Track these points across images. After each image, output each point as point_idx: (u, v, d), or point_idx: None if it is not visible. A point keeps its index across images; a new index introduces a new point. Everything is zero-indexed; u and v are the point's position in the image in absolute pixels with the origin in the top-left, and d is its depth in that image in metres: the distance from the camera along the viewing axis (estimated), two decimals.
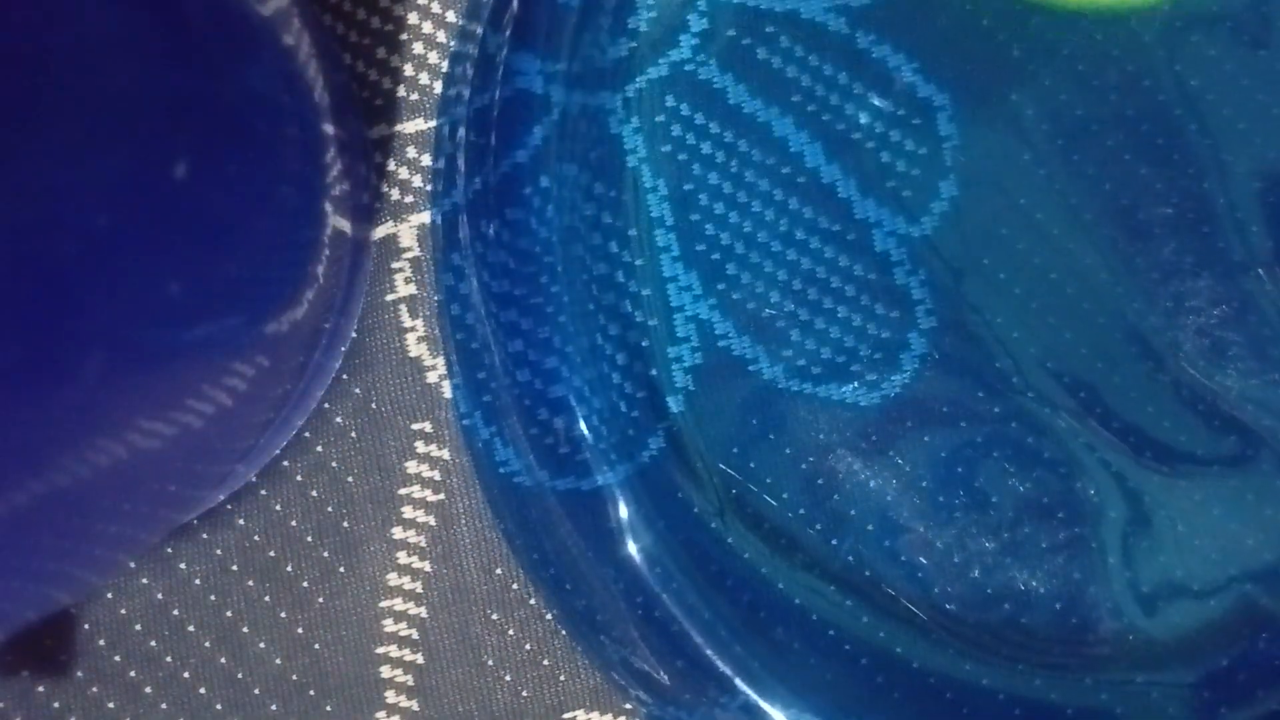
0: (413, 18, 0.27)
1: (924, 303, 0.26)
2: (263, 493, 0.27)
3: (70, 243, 0.17)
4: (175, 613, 0.27)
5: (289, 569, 0.27)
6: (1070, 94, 0.26)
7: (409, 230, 0.27)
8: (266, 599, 0.27)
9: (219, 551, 0.27)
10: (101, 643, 0.27)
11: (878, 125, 0.26)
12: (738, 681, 0.25)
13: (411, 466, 0.27)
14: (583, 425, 0.25)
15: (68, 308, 0.17)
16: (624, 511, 0.25)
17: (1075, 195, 0.25)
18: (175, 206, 0.20)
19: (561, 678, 0.27)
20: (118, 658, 0.27)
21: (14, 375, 0.16)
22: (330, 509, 0.27)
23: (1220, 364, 0.25)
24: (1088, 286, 0.25)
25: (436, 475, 0.27)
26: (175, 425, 0.21)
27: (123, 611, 0.27)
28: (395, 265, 0.27)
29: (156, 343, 0.20)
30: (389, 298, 0.27)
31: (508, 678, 0.27)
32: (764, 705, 0.25)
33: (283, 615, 0.27)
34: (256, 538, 0.27)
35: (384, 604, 0.27)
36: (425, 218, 0.27)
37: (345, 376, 0.27)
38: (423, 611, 0.27)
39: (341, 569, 0.27)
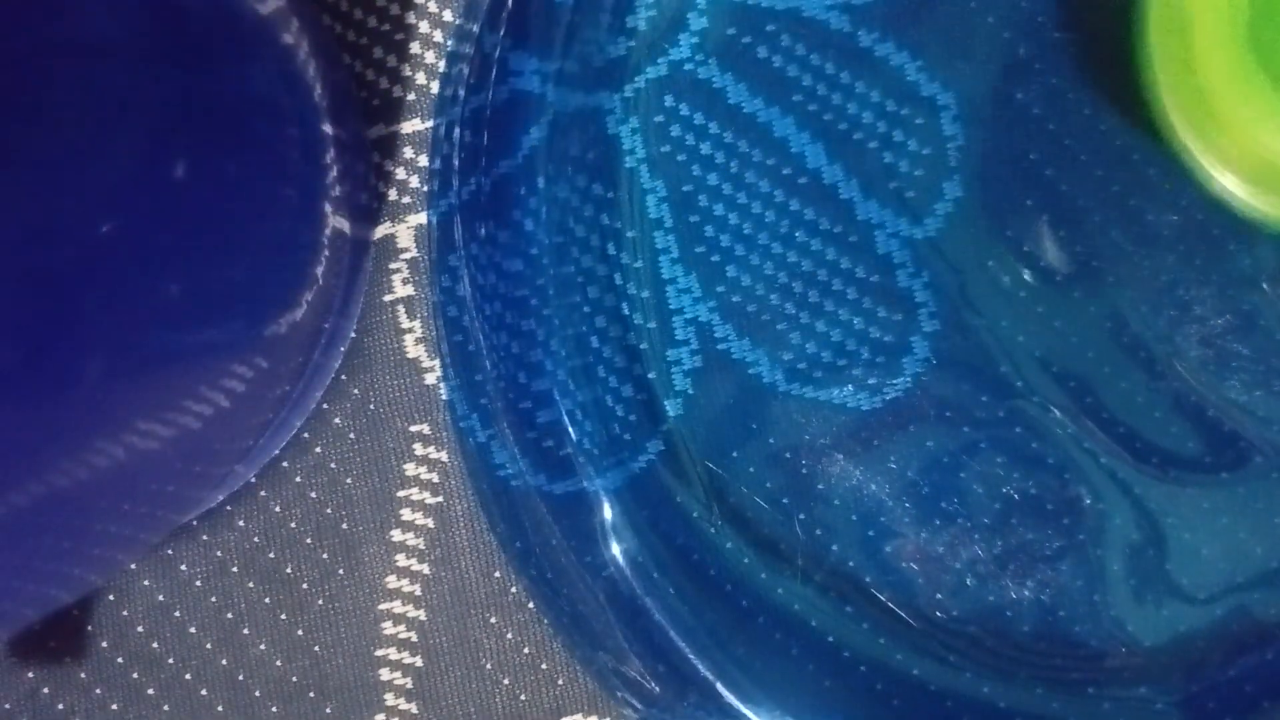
0: (410, 18, 0.27)
1: (927, 305, 0.25)
2: (262, 494, 0.27)
3: (69, 244, 0.17)
4: (177, 614, 0.27)
5: (289, 571, 0.27)
6: (1077, 93, 0.25)
7: (407, 231, 0.27)
8: (267, 600, 0.27)
9: (219, 553, 0.27)
10: (104, 644, 0.27)
11: (880, 125, 0.25)
12: (723, 690, 0.24)
13: (410, 468, 0.27)
14: (577, 429, 0.25)
15: (67, 309, 0.17)
16: (618, 516, 0.25)
17: (1082, 198, 0.25)
18: (174, 207, 0.20)
19: (560, 681, 0.27)
20: (120, 659, 0.27)
21: (14, 377, 0.16)
22: (329, 510, 0.27)
23: (1224, 372, 0.25)
24: (1093, 291, 0.25)
25: (435, 477, 0.27)
26: (175, 426, 0.21)
27: (125, 613, 0.27)
28: (393, 266, 0.27)
29: (156, 344, 0.20)
30: (387, 298, 0.27)
31: (506, 681, 0.27)
32: (754, 717, 0.25)
33: (283, 617, 0.27)
34: (256, 539, 0.27)
35: (383, 606, 0.27)
36: (423, 218, 0.27)
37: (344, 377, 0.27)
38: (421, 614, 0.27)
39: (341, 571, 0.27)
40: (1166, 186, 0.25)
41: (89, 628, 0.27)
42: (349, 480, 0.27)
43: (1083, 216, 0.25)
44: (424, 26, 0.27)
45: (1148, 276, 0.25)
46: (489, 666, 0.27)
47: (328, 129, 0.24)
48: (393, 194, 0.27)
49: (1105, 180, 0.25)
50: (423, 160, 0.27)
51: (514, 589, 0.27)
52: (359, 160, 0.26)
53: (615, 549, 0.25)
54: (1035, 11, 0.25)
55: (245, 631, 0.27)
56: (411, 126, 0.27)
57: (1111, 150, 0.25)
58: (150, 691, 0.27)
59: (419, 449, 0.27)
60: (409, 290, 0.27)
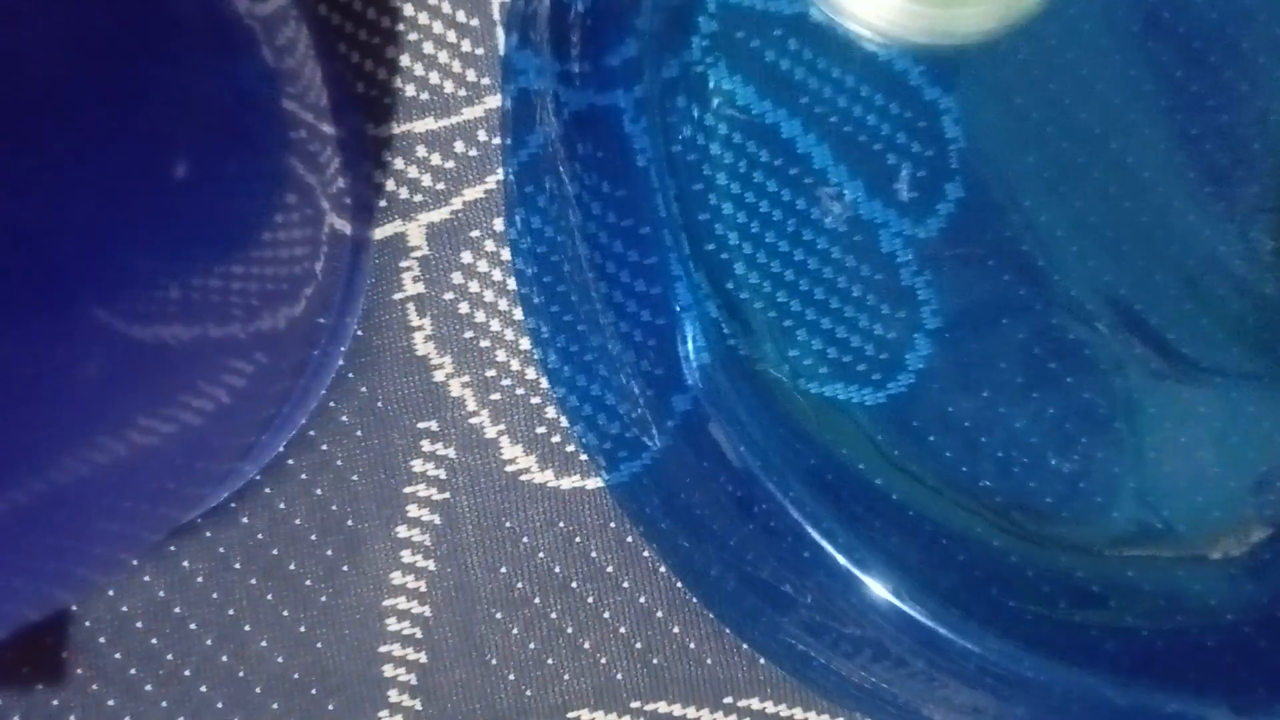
0: (423, 17, 0.27)
1: (929, 303, 0.26)
2: (267, 490, 0.27)
3: (67, 242, 0.17)
4: (177, 610, 0.27)
5: (292, 567, 0.27)
6: (1074, 98, 0.26)
7: (417, 229, 0.27)
8: (269, 597, 0.27)
9: (222, 549, 0.27)
10: (102, 640, 0.27)
11: (884, 127, 0.26)
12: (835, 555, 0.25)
13: (417, 465, 0.27)
14: (598, 422, 0.25)
15: (66, 306, 0.17)
16: (631, 507, 0.25)
17: (1079, 199, 0.26)
18: (171, 204, 0.19)
19: (566, 677, 0.27)
20: (118, 655, 0.27)
21: (14, 375, 0.16)
22: (335, 507, 0.27)
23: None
24: (1090, 290, 0.26)
25: (442, 474, 0.27)
26: (175, 423, 0.21)
27: (124, 609, 0.27)
28: (403, 264, 0.27)
29: (154, 340, 0.20)
30: (396, 296, 0.27)
31: (511, 677, 0.27)
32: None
33: (285, 613, 0.27)
34: (260, 535, 0.27)
35: (387, 602, 0.27)
36: (434, 216, 0.27)
37: (351, 375, 0.27)
38: (426, 610, 0.27)
39: (345, 567, 0.27)
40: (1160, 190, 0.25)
41: (86, 623, 0.27)
42: (355, 477, 0.27)
43: (1080, 218, 0.26)
44: (436, 26, 0.27)
45: (1151, 281, 0.26)
46: (494, 662, 0.27)
47: (327, 127, 0.24)
48: (403, 192, 0.27)
49: (1102, 182, 0.26)
50: (434, 159, 0.27)
51: (520, 584, 0.27)
52: (359, 158, 0.26)
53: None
54: (1032, 18, 0.26)
55: (247, 628, 0.27)
56: (423, 125, 0.27)
57: (1107, 153, 0.26)
58: (148, 688, 0.27)
59: (426, 445, 0.27)
60: (419, 288, 0.27)
